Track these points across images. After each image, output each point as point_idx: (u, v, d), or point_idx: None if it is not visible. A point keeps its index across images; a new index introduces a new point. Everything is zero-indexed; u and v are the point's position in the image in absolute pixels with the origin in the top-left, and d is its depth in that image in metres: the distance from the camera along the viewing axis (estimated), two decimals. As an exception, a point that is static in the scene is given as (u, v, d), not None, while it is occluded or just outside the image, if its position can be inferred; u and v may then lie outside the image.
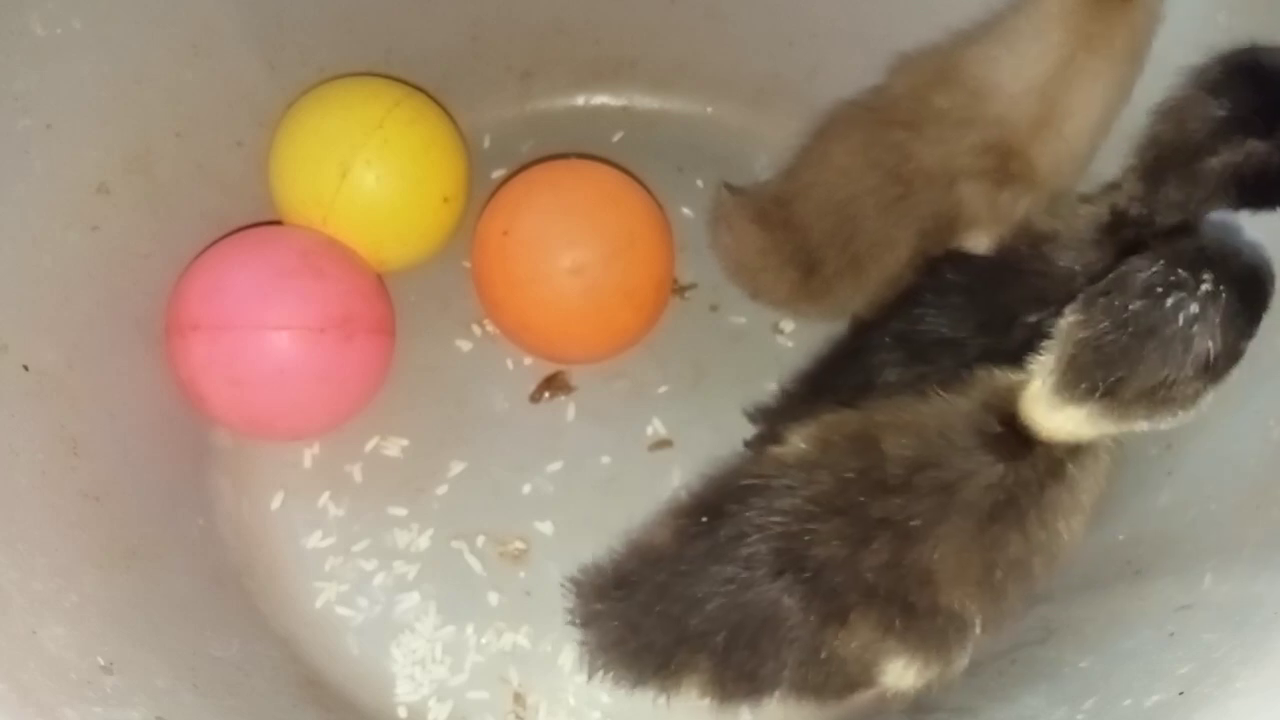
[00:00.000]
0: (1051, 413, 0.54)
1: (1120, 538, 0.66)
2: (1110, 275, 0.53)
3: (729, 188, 0.81)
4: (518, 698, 0.70)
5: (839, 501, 0.56)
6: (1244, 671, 0.49)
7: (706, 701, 0.61)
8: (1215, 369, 0.51)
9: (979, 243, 0.71)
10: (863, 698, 0.67)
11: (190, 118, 0.74)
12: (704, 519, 0.60)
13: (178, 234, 0.75)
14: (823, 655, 0.58)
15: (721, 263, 0.81)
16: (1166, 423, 0.53)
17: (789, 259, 0.75)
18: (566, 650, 0.71)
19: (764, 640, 0.58)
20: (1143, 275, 0.51)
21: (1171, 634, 0.57)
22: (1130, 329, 0.51)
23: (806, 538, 0.56)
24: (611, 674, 0.62)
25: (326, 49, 0.80)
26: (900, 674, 0.58)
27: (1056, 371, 0.53)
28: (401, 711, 0.70)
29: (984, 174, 0.70)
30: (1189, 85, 0.63)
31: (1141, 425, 0.53)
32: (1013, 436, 0.55)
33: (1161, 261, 0.51)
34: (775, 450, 0.60)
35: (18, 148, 0.64)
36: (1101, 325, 0.52)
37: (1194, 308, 0.50)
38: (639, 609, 0.60)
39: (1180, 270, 0.51)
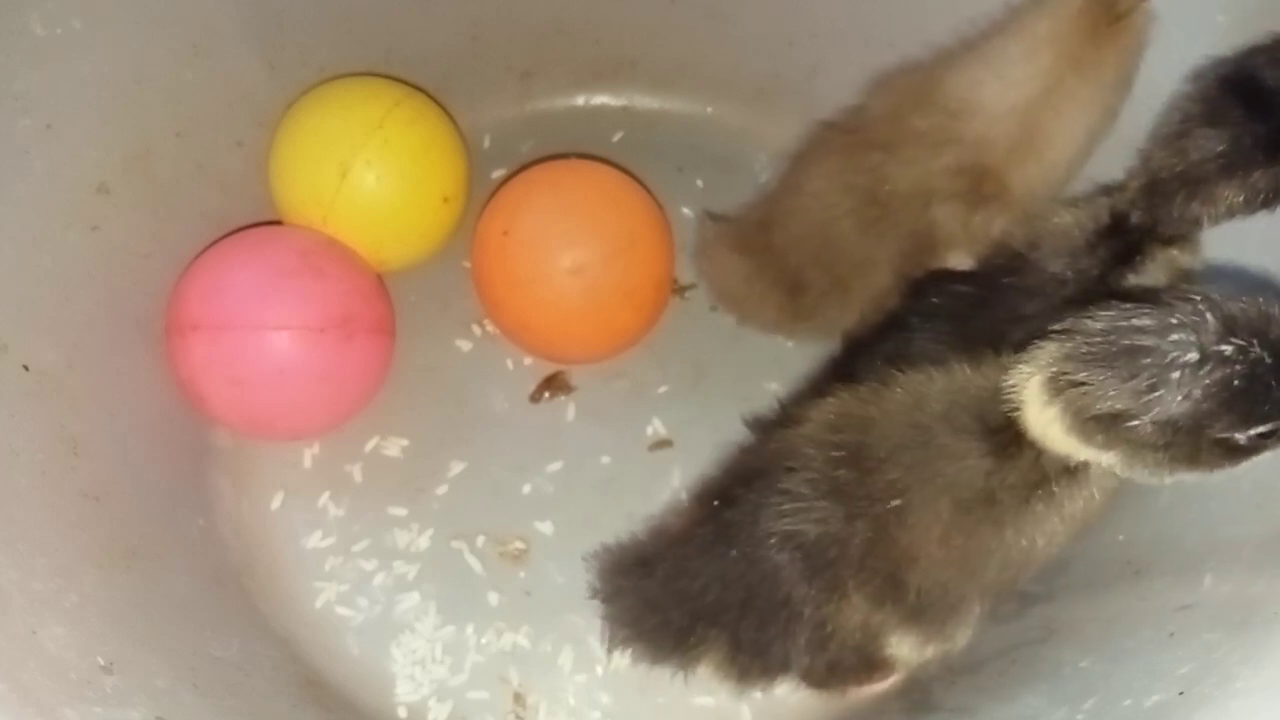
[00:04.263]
0: (1030, 403, 0.51)
1: (1120, 538, 0.66)
2: (1188, 289, 0.48)
3: (711, 216, 0.82)
4: (518, 698, 0.70)
5: (834, 479, 0.56)
6: (1244, 671, 0.49)
7: (723, 681, 0.62)
8: (1178, 434, 0.47)
9: (960, 262, 0.70)
10: (872, 691, 0.67)
11: (190, 118, 0.74)
12: (715, 503, 0.61)
13: (178, 234, 0.75)
14: (828, 630, 0.58)
15: (708, 291, 0.81)
16: (1126, 468, 0.50)
17: (773, 283, 0.76)
18: (566, 650, 0.71)
19: (773, 617, 0.58)
20: (1178, 304, 0.47)
21: (1171, 634, 0.57)
22: (1114, 342, 0.48)
23: (804, 516, 0.56)
24: (631, 650, 0.63)
25: (326, 49, 0.80)
26: (898, 647, 0.59)
27: (1048, 354, 0.50)
28: (401, 711, 0.70)
29: (957, 195, 0.70)
30: (1186, 113, 0.61)
31: (1102, 457, 0.50)
32: (1011, 433, 0.53)
33: (1202, 300, 0.47)
34: (785, 433, 0.60)
35: (18, 148, 0.64)
36: (1100, 324, 0.49)
37: (1192, 356, 0.46)
38: (657, 586, 0.61)
39: (1214, 316, 0.46)
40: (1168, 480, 0.50)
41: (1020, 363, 0.52)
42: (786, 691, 0.69)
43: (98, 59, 0.68)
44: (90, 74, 0.68)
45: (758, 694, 0.70)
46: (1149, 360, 0.47)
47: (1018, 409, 0.52)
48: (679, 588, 0.61)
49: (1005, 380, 0.52)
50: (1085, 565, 0.67)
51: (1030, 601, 0.67)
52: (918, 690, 0.67)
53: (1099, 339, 0.48)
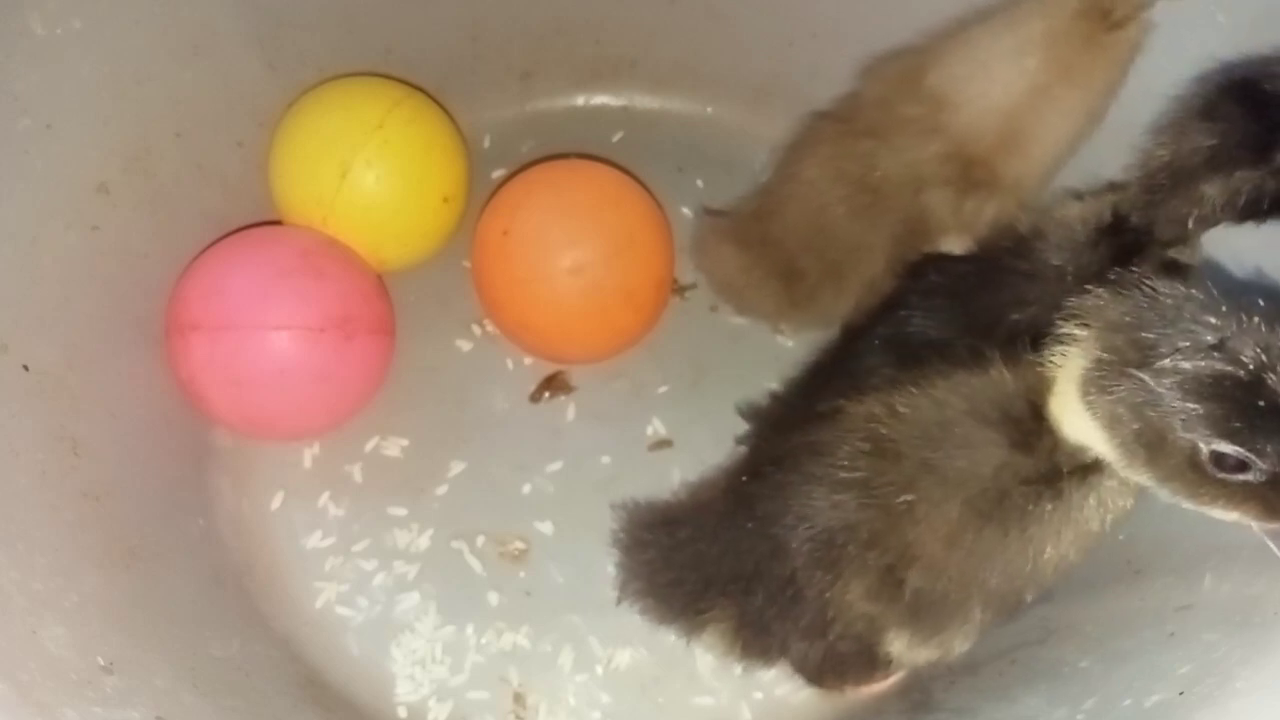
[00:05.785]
0: (1069, 353, 0.50)
1: (1120, 538, 0.66)
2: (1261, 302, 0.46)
3: (708, 211, 0.82)
4: (518, 698, 0.70)
5: (856, 469, 0.56)
6: (1244, 671, 0.49)
7: (726, 652, 0.63)
8: (1152, 412, 0.46)
9: (954, 247, 0.71)
10: (872, 691, 0.67)
11: (190, 118, 0.74)
12: (744, 478, 0.62)
13: (178, 234, 0.75)
14: (828, 616, 0.58)
15: (708, 285, 0.82)
16: (1109, 448, 0.49)
17: (770, 273, 0.76)
18: (566, 650, 0.71)
19: (779, 595, 0.59)
20: (1237, 305, 0.45)
21: (1171, 634, 0.57)
22: (1158, 303, 0.46)
23: (822, 501, 0.56)
24: (641, 605, 0.64)
25: (326, 49, 0.80)
26: (892, 644, 0.59)
27: (1101, 298, 0.49)
28: (401, 711, 0.70)
29: (947, 182, 0.70)
30: (1186, 106, 0.61)
31: (1095, 431, 0.49)
32: (1030, 423, 0.52)
33: (1263, 313, 0.45)
34: (820, 424, 0.60)
35: (18, 148, 0.64)
36: (1158, 286, 0.47)
37: (1209, 338, 0.45)
38: (676, 546, 0.63)
39: (1265, 328, 0.44)
40: (1135, 478, 0.49)
41: (1076, 309, 0.50)
42: (787, 691, 0.69)
43: (98, 59, 0.68)
44: (90, 74, 0.68)
45: (758, 694, 0.70)
46: (1172, 326, 0.45)
47: (1053, 372, 0.51)
48: (696, 551, 0.62)
49: (1056, 330, 0.51)
50: (1085, 565, 0.66)
51: (1030, 602, 0.67)
52: (918, 690, 0.67)
53: (1150, 296, 0.47)
